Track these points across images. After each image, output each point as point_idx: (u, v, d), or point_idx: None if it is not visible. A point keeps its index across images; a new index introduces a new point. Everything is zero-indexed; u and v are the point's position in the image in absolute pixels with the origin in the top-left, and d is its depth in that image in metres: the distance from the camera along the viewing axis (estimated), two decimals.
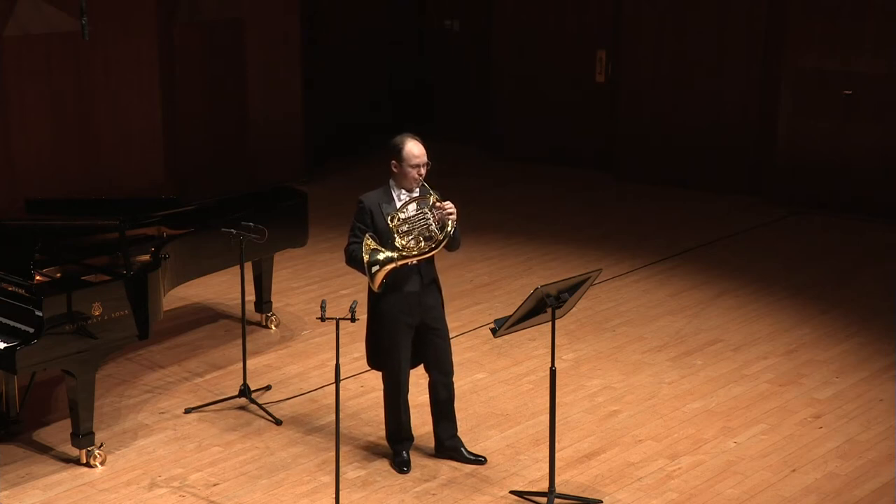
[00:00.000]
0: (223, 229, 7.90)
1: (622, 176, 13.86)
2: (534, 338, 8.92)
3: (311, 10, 13.78)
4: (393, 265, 6.76)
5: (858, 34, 12.20)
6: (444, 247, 6.83)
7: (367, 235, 6.77)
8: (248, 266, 8.85)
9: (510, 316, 6.56)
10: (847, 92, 12.29)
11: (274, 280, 9.36)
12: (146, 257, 7.69)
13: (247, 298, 8.08)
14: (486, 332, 8.24)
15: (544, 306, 6.55)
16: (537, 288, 6.48)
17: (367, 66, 15.11)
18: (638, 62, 13.61)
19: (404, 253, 6.77)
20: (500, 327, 6.60)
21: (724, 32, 13.11)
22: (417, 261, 6.84)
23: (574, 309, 7.07)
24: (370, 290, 6.89)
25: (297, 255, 10.49)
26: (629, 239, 11.71)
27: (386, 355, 7.04)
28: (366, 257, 6.72)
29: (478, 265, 10.85)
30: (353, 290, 10.11)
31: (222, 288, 10.02)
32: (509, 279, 10.53)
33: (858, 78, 12.21)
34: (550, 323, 6.60)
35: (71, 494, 6.88)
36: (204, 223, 8.38)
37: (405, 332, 6.98)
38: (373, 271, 6.73)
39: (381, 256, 6.74)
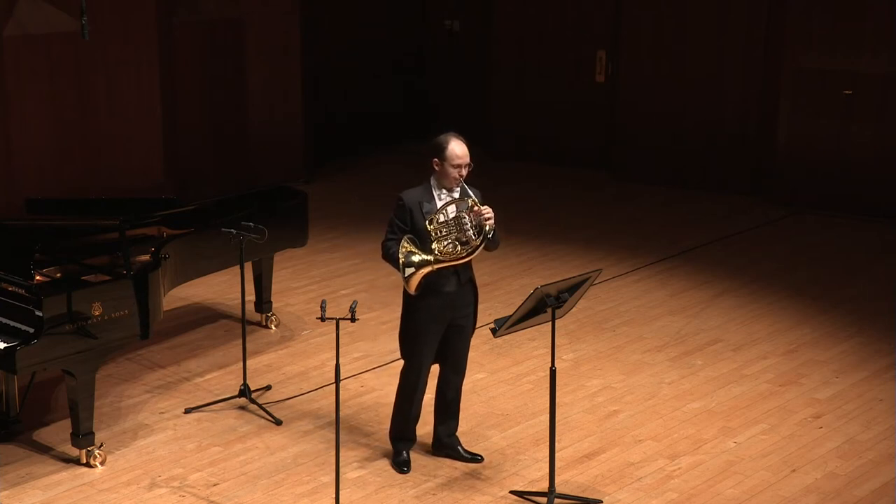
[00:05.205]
0: (223, 229, 7.89)
1: (622, 176, 13.86)
2: (534, 338, 8.92)
3: (310, 10, 13.78)
4: (429, 268, 6.74)
5: (858, 34, 12.20)
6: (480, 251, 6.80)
7: (406, 238, 6.75)
8: (248, 266, 8.85)
9: (510, 316, 6.56)
10: (847, 92, 12.29)
11: (274, 280, 9.35)
12: (146, 257, 7.69)
13: (247, 298, 8.08)
14: (486, 332, 8.22)
15: (544, 306, 6.55)
16: (537, 288, 6.47)
17: (366, 65, 15.10)
18: (638, 62, 13.61)
19: (440, 257, 6.75)
20: (500, 327, 6.59)
21: (723, 32, 13.11)
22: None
23: (574, 309, 7.07)
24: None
25: (297, 255, 10.49)
26: (629, 239, 11.71)
27: (412, 353, 7.00)
28: (401, 259, 6.70)
29: (478, 265, 10.72)
30: (353, 290, 10.11)
31: (222, 288, 10.02)
32: (509, 279, 10.52)
33: (858, 78, 12.21)
34: (550, 323, 6.60)
35: (71, 494, 6.87)
36: (204, 223, 8.38)
37: (436, 332, 6.95)
38: (407, 273, 6.71)
39: (416, 259, 6.71)
